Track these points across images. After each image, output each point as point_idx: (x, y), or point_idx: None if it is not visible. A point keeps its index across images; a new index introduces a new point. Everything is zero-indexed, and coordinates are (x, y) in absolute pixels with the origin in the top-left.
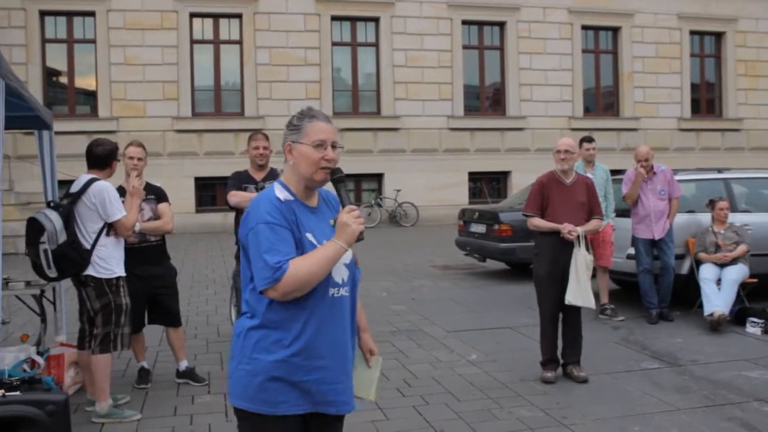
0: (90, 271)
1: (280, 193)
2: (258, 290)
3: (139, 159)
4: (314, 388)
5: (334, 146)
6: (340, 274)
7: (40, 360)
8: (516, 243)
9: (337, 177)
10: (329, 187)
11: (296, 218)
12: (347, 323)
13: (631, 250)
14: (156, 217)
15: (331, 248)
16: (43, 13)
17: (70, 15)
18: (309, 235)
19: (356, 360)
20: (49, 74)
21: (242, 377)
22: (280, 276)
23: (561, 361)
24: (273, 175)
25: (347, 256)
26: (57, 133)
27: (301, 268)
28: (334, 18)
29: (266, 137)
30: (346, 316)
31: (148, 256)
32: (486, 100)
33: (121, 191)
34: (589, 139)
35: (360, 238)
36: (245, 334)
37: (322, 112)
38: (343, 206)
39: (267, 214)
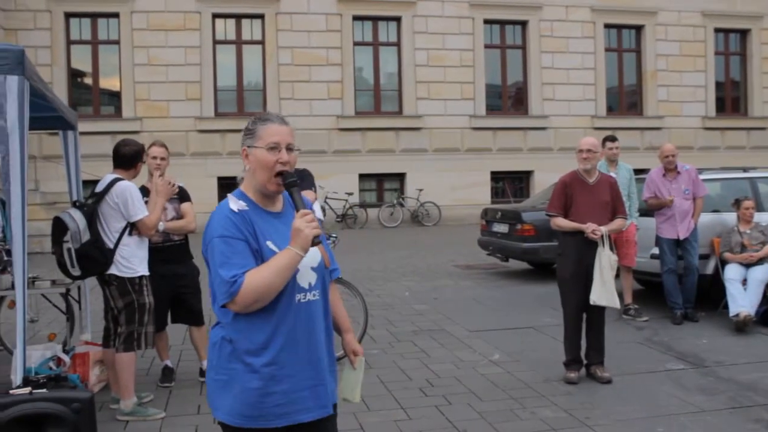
0: (113, 270)
1: (234, 204)
2: (218, 305)
3: (162, 159)
4: (289, 397)
5: (290, 148)
6: (307, 278)
7: (65, 358)
8: (539, 243)
9: (290, 181)
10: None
11: (253, 228)
12: (319, 327)
13: (655, 250)
14: (179, 216)
15: (286, 256)
16: (68, 15)
17: (94, 16)
18: (269, 243)
19: (341, 361)
20: (74, 75)
21: (219, 388)
22: (236, 290)
23: (584, 362)
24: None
25: (314, 259)
26: (81, 133)
27: (256, 280)
28: (355, 18)
29: None
30: (317, 320)
31: (171, 255)
32: (508, 99)
33: (144, 191)
34: (612, 138)
35: (315, 242)
36: (220, 344)
37: (278, 115)
38: (297, 211)
39: (221, 228)
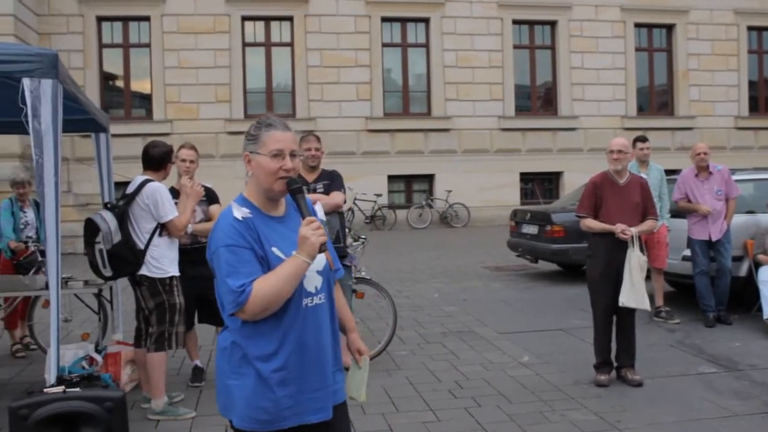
0: (144, 271)
1: (238, 212)
2: (226, 314)
3: (191, 161)
4: (296, 399)
5: (293, 155)
6: (313, 282)
7: (98, 357)
8: (568, 244)
9: (295, 188)
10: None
11: (258, 235)
12: (326, 330)
13: (687, 252)
14: (207, 218)
15: (294, 264)
16: (100, 19)
17: (125, 20)
18: (275, 250)
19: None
20: (106, 78)
21: (231, 392)
22: (244, 299)
23: (615, 364)
24: (325, 177)
25: (319, 263)
26: (113, 135)
27: (264, 288)
28: (384, 19)
29: (318, 138)
30: (324, 323)
31: (199, 257)
32: (537, 99)
33: (174, 193)
34: (643, 139)
35: (322, 249)
36: (230, 349)
37: (282, 121)
38: (303, 218)
39: (226, 237)
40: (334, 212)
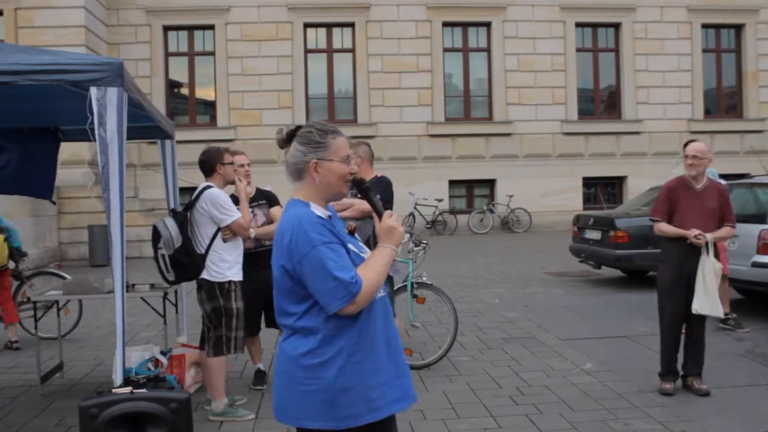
0: (204, 275)
1: (319, 212)
2: (331, 312)
3: (249, 164)
4: (380, 391)
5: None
6: None
7: (163, 359)
8: (632, 250)
9: (366, 186)
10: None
11: (337, 233)
12: (390, 320)
13: (758, 257)
14: (269, 221)
15: (387, 253)
16: (166, 28)
17: (191, 29)
18: (351, 246)
19: None
20: (172, 86)
21: (310, 397)
22: (357, 290)
23: (681, 373)
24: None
25: None
26: (178, 142)
27: (371, 278)
28: (445, 24)
29: (357, 145)
30: (389, 314)
31: (263, 260)
32: (600, 103)
33: (234, 200)
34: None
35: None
36: (300, 357)
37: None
38: (380, 212)
39: (319, 235)
40: (367, 218)
